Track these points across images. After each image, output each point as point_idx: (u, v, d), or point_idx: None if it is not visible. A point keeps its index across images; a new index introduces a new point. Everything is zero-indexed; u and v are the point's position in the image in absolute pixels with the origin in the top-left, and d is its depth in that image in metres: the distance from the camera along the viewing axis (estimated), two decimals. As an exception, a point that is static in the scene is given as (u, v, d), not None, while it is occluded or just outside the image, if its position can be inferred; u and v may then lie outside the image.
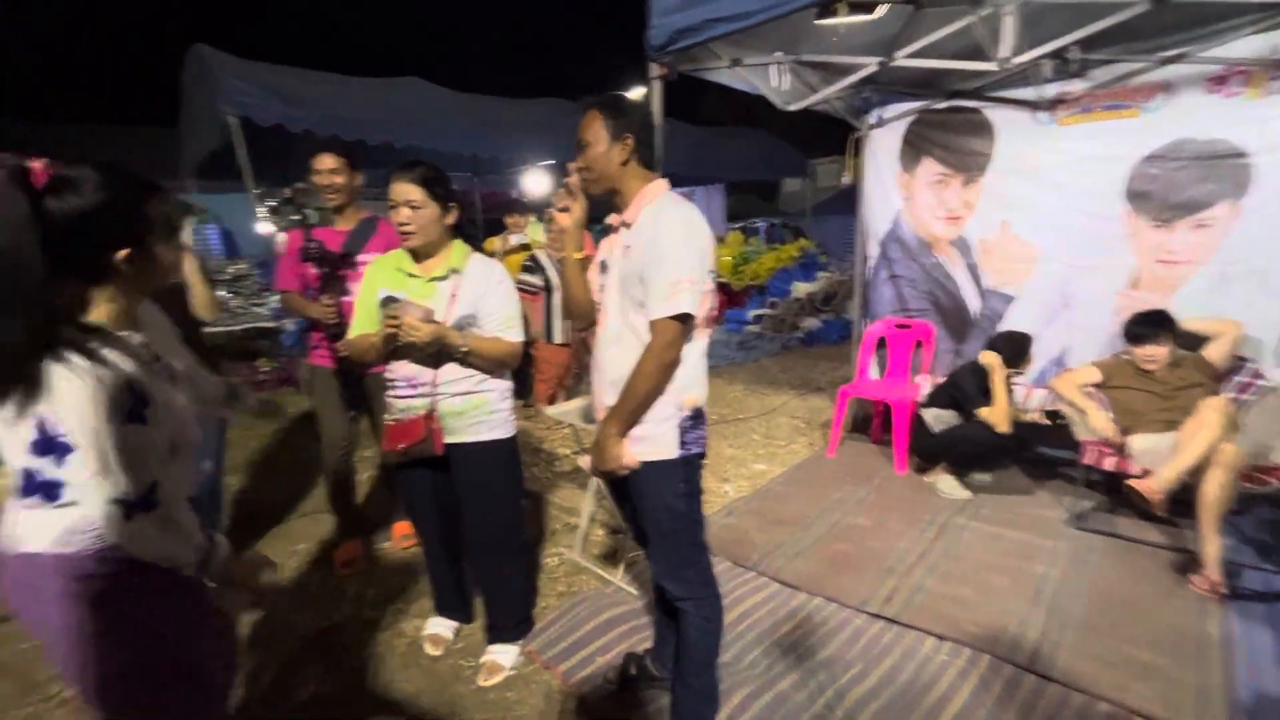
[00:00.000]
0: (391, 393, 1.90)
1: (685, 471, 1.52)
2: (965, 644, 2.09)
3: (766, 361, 6.71)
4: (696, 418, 1.53)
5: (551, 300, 4.31)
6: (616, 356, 1.51)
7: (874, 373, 4.17)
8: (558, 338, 4.35)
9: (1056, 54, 2.73)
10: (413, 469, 1.96)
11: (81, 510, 1.05)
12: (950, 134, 3.64)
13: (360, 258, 2.40)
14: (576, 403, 2.86)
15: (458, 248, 1.89)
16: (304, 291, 2.45)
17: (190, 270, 2.30)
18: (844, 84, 3.15)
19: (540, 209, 5.91)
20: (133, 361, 1.08)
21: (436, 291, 1.84)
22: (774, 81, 3.09)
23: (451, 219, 1.85)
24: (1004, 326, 3.57)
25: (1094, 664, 1.99)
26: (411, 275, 1.86)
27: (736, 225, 9.88)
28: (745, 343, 6.95)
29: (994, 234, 3.61)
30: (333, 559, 2.70)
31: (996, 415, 3.07)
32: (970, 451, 3.19)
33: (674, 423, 1.49)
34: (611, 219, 1.57)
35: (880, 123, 3.87)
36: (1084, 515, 2.93)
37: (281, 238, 6.36)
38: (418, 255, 1.86)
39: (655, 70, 2.68)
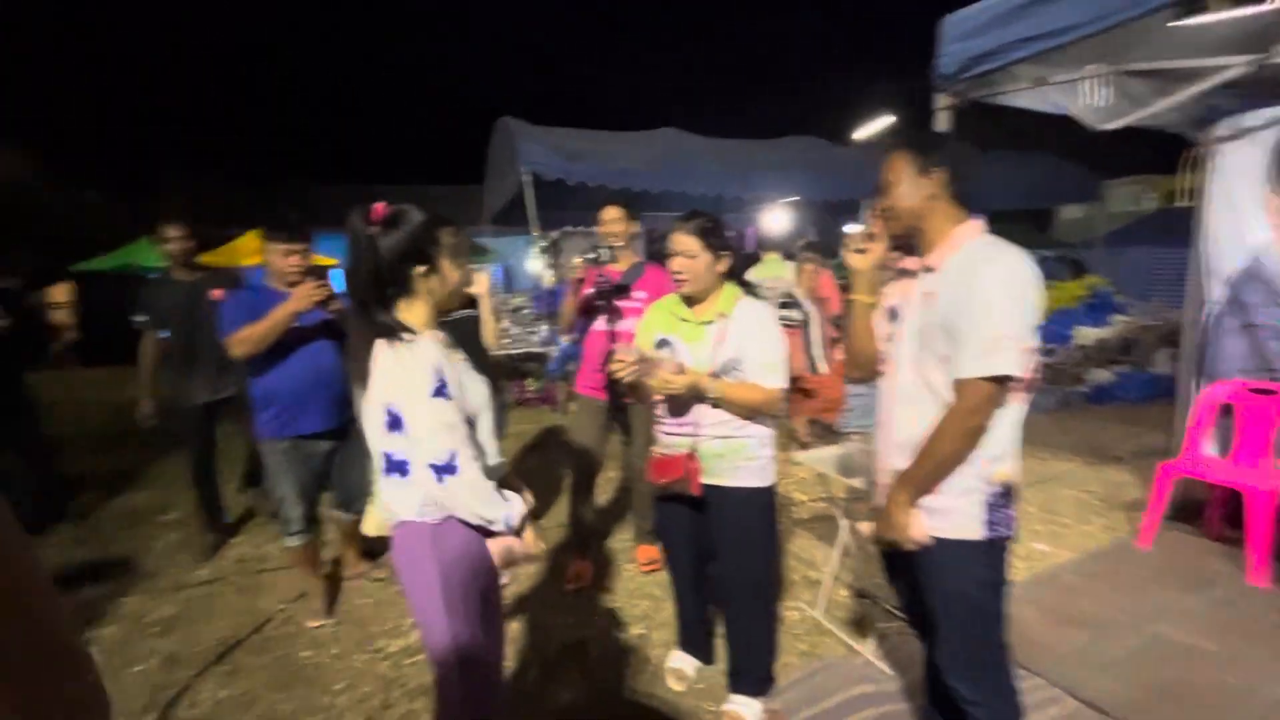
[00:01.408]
0: (660, 427, 2.00)
1: (989, 557, 1.32)
2: None
3: (1039, 418, 5.70)
4: (1007, 495, 1.32)
5: (810, 334, 4.40)
6: (908, 416, 1.38)
7: (1210, 448, 3.26)
8: (822, 368, 4.42)
9: None
10: (672, 503, 2.03)
11: (414, 479, 1.31)
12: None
13: (635, 293, 2.71)
14: (831, 450, 2.71)
15: (727, 292, 1.93)
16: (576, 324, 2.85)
17: (485, 307, 2.69)
18: (1192, 91, 2.56)
19: (784, 247, 5.89)
20: (436, 350, 1.33)
21: (705, 334, 1.90)
22: (1085, 99, 2.64)
23: (723, 266, 1.90)
24: None
25: None
26: (683, 319, 1.95)
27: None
28: (1012, 395, 6.00)
29: None
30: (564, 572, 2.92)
31: None
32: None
33: (979, 498, 1.30)
34: (908, 262, 1.46)
35: (1235, 134, 3.07)
36: None
37: (549, 274, 7.19)
38: (690, 300, 1.95)
39: (943, 100, 2.48)
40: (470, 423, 1.39)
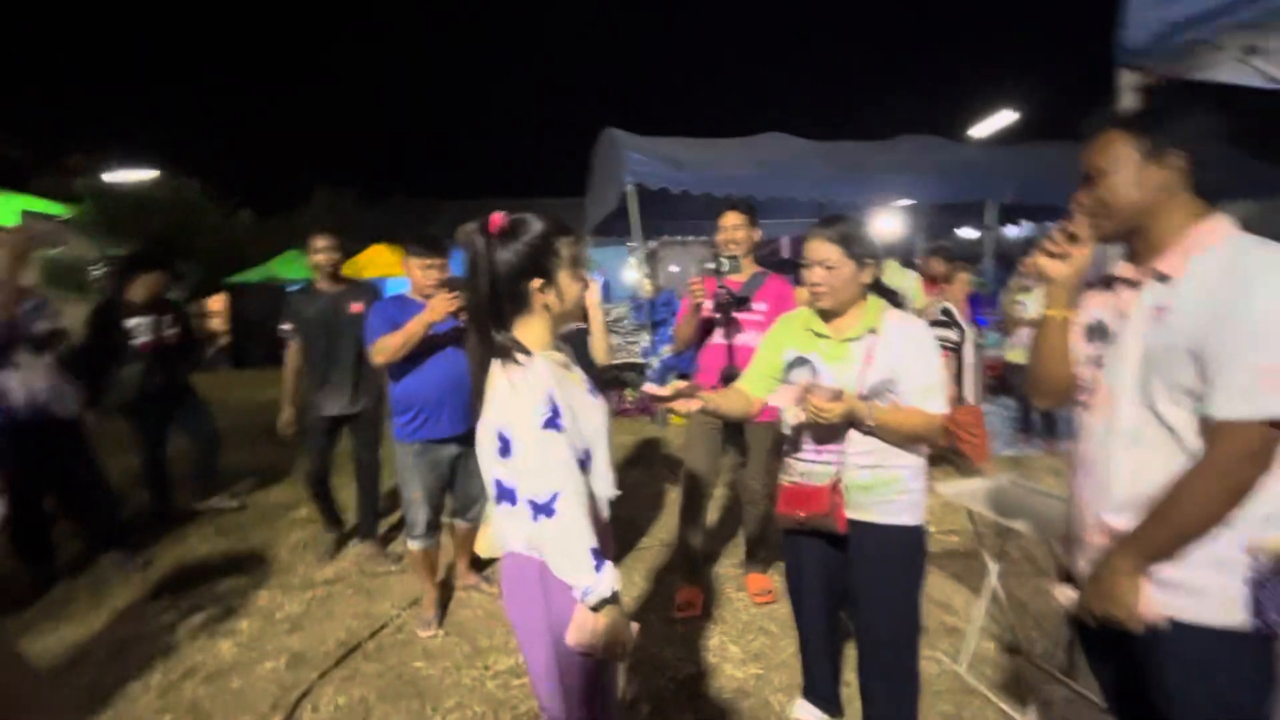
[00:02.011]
0: (794, 453, 1.81)
1: (1255, 651, 1.02)
2: None
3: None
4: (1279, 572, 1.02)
5: (963, 357, 3.96)
6: (1134, 462, 1.11)
7: None
8: (970, 398, 3.94)
9: None
10: (804, 537, 1.83)
11: (525, 509, 1.19)
12: None
13: (755, 305, 2.52)
14: (978, 482, 2.40)
15: (873, 304, 1.72)
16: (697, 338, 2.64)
17: (596, 320, 2.52)
18: None
19: (901, 253, 5.47)
20: (553, 376, 1.21)
21: (849, 353, 1.69)
22: (1312, 69, 2.16)
23: (868, 277, 1.69)
24: None
25: None
26: (821, 336, 1.75)
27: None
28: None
29: None
30: (673, 598, 2.76)
31: None
32: None
33: (1240, 574, 1.01)
34: (1123, 269, 1.19)
35: None
36: None
37: (646, 284, 7.09)
38: (827, 314, 1.75)
39: (1129, 79, 2.11)
40: (586, 456, 1.26)
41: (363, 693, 2.25)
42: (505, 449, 1.21)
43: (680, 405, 1.61)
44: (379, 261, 11.16)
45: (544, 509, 1.16)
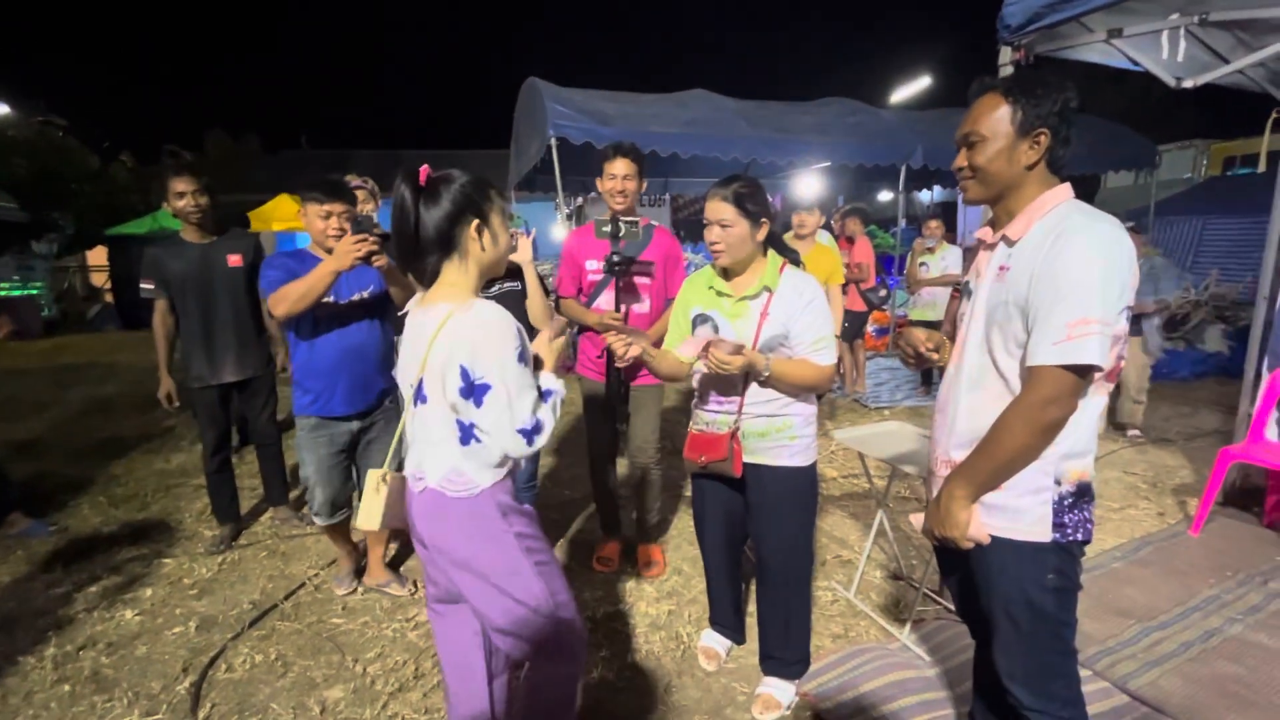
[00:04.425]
0: (699, 404, 1.92)
1: (1058, 560, 1.21)
2: None
3: (1082, 397, 5.48)
4: (1081, 495, 1.20)
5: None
6: (972, 404, 1.26)
7: (1274, 432, 3.08)
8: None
9: None
10: (707, 480, 1.96)
11: (494, 446, 1.28)
12: None
13: (644, 262, 2.46)
14: (867, 428, 2.61)
15: (771, 263, 1.82)
16: (580, 298, 2.57)
17: (531, 276, 2.40)
18: (1287, 44, 2.31)
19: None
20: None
21: (748, 310, 1.79)
22: (1165, 53, 2.41)
23: (762, 234, 1.78)
24: None
25: None
26: (723, 294, 1.84)
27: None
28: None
29: None
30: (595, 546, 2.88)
31: None
32: None
33: (1048, 496, 1.19)
34: (983, 233, 1.33)
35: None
36: None
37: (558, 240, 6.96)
38: (728, 272, 1.84)
39: (1009, 55, 2.27)
40: None
41: (280, 650, 2.24)
42: (472, 388, 1.25)
43: (619, 347, 1.68)
44: (284, 214, 10.42)
45: (535, 430, 1.29)
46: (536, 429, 1.29)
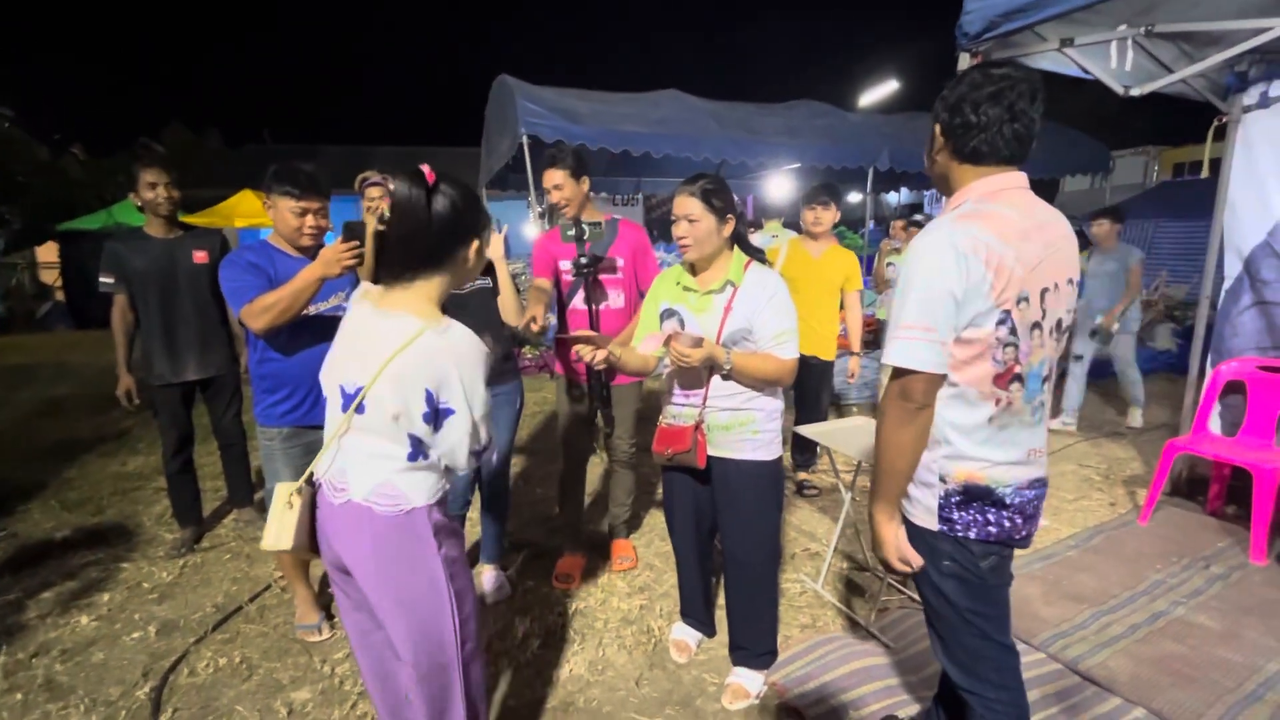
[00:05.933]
0: (667, 398, 1.95)
1: (952, 549, 1.24)
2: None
3: (1041, 393, 5.66)
4: (973, 497, 1.21)
5: None
6: None
7: (1216, 425, 3.24)
8: None
9: None
10: (677, 473, 1.99)
11: (437, 464, 1.26)
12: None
13: (612, 258, 2.48)
14: (835, 423, 2.67)
15: (737, 259, 1.85)
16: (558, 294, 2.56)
17: (503, 275, 2.31)
18: (1224, 55, 2.44)
19: (785, 214, 5.73)
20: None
21: (712, 304, 1.82)
22: (1113, 62, 2.52)
23: (728, 230, 1.82)
24: None
25: None
26: (689, 289, 1.87)
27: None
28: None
29: None
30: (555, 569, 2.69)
31: None
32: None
33: (935, 492, 1.24)
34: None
35: (1265, 103, 2.96)
36: None
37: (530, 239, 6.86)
38: (695, 268, 1.88)
39: (967, 61, 2.35)
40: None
41: (245, 653, 2.20)
42: (436, 410, 1.19)
43: (587, 354, 1.69)
44: (246, 210, 10.15)
45: (484, 450, 1.30)
46: (486, 447, 1.30)
